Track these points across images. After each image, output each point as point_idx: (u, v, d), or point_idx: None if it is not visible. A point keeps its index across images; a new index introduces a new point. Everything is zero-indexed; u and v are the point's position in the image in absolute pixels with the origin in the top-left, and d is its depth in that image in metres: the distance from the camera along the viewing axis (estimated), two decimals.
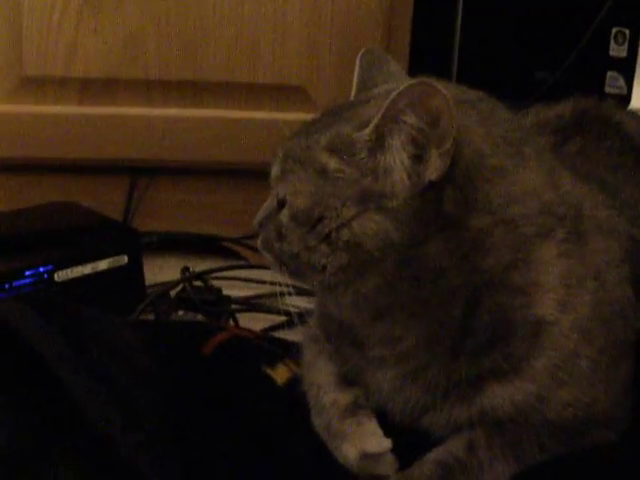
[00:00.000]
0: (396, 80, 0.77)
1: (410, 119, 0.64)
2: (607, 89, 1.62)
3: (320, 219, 0.68)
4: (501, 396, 0.71)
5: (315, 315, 0.83)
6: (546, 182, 0.71)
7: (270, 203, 0.73)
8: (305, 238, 0.68)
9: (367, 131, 0.66)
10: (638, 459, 0.75)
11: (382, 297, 0.68)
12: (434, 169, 0.64)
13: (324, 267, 0.68)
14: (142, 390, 0.77)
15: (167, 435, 0.74)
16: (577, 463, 0.73)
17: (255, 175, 1.52)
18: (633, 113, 1.09)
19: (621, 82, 1.64)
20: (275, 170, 0.73)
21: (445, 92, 0.62)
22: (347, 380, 0.78)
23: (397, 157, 0.65)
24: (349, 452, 0.72)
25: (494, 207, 0.67)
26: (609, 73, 1.64)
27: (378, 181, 0.66)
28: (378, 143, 0.66)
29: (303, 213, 0.68)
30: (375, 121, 0.65)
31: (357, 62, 0.80)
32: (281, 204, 0.70)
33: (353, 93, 0.80)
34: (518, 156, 0.70)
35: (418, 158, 0.65)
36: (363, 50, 0.80)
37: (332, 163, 0.67)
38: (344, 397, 0.77)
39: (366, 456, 0.71)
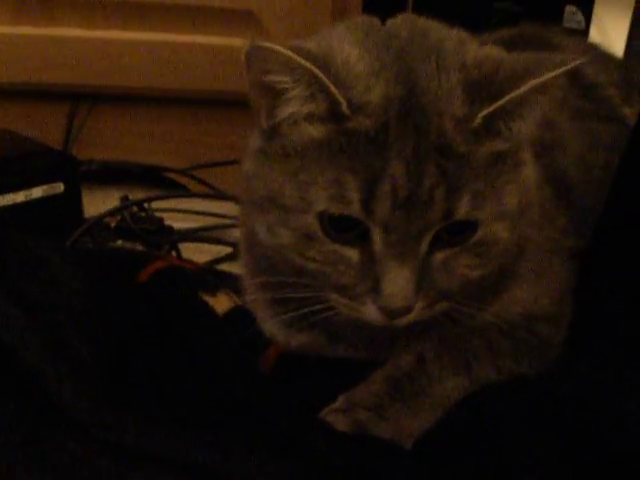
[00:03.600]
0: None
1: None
2: (565, 23, 1.60)
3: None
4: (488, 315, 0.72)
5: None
6: None
7: (414, 268, 0.62)
8: (518, 225, 0.66)
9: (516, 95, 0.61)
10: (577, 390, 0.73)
11: None
12: None
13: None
14: (70, 317, 0.73)
15: (96, 364, 0.70)
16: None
17: (201, 104, 1.49)
18: (580, 39, 1.06)
19: (579, 17, 1.61)
20: (463, 206, 0.61)
21: None
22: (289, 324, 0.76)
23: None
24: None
25: None
26: (568, 7, 1.61)
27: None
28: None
29: (515, 206, 0.65)
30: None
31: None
32: (472, 226, 0.63)
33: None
34: None
35: None
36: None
37: (503, 145, 0.64)
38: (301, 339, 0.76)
39: None
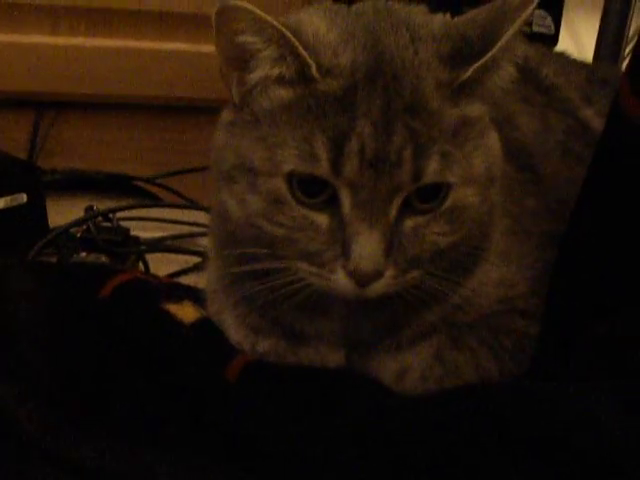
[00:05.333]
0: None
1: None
2: (535, 28, 1.60)
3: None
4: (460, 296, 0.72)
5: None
6: None
7: (384, 232, 0.61)
8: (487, 194, 0.66)
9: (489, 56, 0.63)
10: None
11: None
12: None
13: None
14: (29, 335, 0.71)
15: (56, 383, 0.68)
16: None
17: (169, 111, 1.47)
18: (541, 46, 1.07)
19: (549, 21, 1.62)
20: (431, 167, 0.61)
21: None
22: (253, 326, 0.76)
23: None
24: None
25: None
26: (537, 12, 1.61)
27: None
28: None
29: (484, 173, 0.65)
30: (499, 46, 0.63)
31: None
32: (443, 192, 0.63)
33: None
34: None
35: None
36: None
37: (473, 111, 0.65)
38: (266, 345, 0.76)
39: None
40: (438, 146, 0.61)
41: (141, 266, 1.15)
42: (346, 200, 0.61)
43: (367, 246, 0.61)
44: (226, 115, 0.69)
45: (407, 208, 0.63)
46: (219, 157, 0.68)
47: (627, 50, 1.68)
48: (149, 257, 1.17)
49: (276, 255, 0.65)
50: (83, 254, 1.09)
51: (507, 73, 0.65)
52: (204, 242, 1.25)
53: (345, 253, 0.62)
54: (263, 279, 0.68)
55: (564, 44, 1.61)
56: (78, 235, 1.17)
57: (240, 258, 0.70)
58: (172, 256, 1.21)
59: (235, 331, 0.78)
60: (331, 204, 0.63)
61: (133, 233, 1.20)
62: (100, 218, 1.20)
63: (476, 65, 0.62)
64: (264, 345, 0.76)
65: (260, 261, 0.67)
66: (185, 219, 1.29)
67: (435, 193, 0.63)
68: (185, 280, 1.11)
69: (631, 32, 1.69)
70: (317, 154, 0.60)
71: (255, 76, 0.64)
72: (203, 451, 0.63)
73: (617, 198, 0.74)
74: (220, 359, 0.75)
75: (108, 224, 1.20)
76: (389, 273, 0.63)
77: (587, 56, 1.74)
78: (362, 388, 0.72)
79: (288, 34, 0.61)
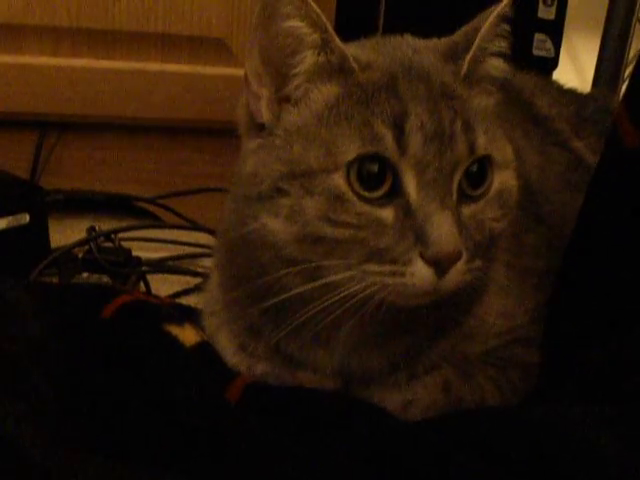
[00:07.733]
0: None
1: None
2: (535, 51, 1.61)
3: None
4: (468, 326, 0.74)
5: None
6: None
7: (454, 210, 0.62)
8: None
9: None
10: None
11: None
12: None
13: None
14: (30, 357, 0.71)
15: (56, 405, 0.68)
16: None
17: (171, 132, 1.48)
18: (531, 75, 1.10)
19: (549, 44, 1.63)
20: (480, 138, 0.65)
21: None
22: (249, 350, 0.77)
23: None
24: None
25: None
26: (537, 35, 1.63)
27: None
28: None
29: (512, 159, 0.70)
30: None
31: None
32: (489, 176, 0.67)
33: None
34: None
35: None
36: None
37: (485, 101, 0.69)
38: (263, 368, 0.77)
39: None
40: (478, 122, 0.65)
41: (142, 287, 1.15)
42: (411, 183, 0.62)
43: (444, 225, 0.60)
44: (252, 142, 0.69)
45: (462, 197, 0.64)
46: (253, 180, 0.66)
47: (627, 72, 1.69)
48: (150, 277, 1.17)
49: (333, 267, 0.63)
50: (85, 274, 1.09)
51: (497, 63, 0.70)
52: (205, 263, 1.26)
53: (421, 239, 0.61)
54: (307, 305, 0.65)
55: (564, 67, 1.63)
56: (80, 256, 1.17)
57: (269, 290, 0.68)
58: (173, 277, 1.21)
59: (231, 354, 0.78)
60: (393, 197, 0.62)
61: (135, 254, 1.20)
62: (102, 239, 1.20)
63: (468, 57, 0.68)
64: (261, 367, 0.77)
65: (303, 284, 0.65)
66: (186, 240, 1.30)
67: (481, 179, 0.66)
68: (186, 301, 1.11)
69: (631, 55, 1.70)
70: (380, 133, 0.62)
71: (300, 69, 0.66)
72: (204, 472, 0.63)
73: (614, 225, 0.75)
74: (221, 380, 0.76)
75: (110, 245, 1.21)
76: (464, 258, 0.62)
77: (587, 78, 1.75)
78: (364, 410, 0.72)
79: (326, 21, 0.64)
